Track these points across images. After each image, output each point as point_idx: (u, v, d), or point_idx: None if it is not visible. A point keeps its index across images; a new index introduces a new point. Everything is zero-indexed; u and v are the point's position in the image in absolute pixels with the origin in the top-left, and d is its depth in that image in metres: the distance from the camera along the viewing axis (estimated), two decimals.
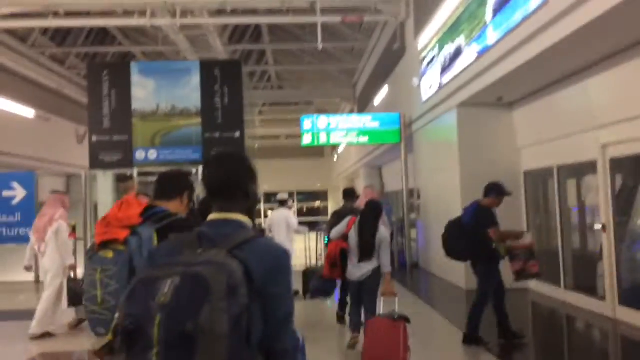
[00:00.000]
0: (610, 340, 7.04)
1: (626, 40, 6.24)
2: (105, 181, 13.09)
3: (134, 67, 13.16)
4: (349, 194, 7.65)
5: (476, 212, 6.09)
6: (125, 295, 1.51)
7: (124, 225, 3.10)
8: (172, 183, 3.09)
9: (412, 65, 12.62)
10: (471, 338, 6.13)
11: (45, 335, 6.92)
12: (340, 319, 7.24)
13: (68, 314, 7.43)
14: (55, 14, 12.94)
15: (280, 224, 8.92)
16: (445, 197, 10.62)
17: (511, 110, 9.66)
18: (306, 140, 12.71)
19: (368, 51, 18.37)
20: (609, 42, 6.32)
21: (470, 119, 9.76)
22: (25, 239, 12.23)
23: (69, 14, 13.21)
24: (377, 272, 5.74)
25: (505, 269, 6.18)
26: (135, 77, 12.99)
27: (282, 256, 1.68)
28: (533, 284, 8.96)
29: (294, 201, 26.93)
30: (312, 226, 13.22)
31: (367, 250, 5.73)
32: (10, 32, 15.31)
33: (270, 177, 26.60)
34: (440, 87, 10.38)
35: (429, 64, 11.19)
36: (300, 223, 9.67)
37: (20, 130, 16.39)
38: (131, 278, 1.91)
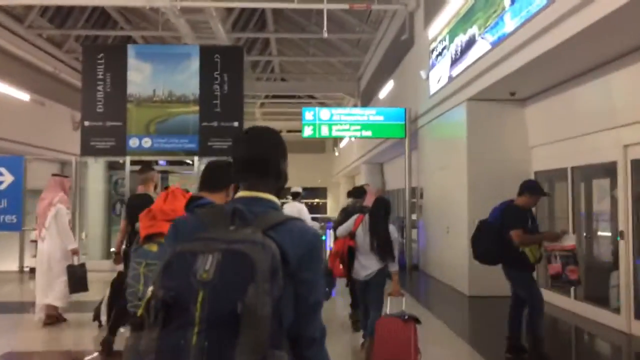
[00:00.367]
0: (624, 357, 6.52)
1: None
2: (96, 169, 12.57)
3: (131, 50, 12.66)
4: (359, 192, 7.35)
5: (504, 211, 5.53)
6: (161, 267, 1.43)
7: (170, 218, 3.02)
8: (219, 174, 2.86)
9: (420, 57, 12.10)
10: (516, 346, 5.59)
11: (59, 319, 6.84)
12: (355, 323, 6.84)
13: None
14: None
15: None
16: (451, 196, 10.13)
17: (523, 107, 9.14)
18: (307, 132, 12.20)
19: (374, 43, 17.87)
20: (638, 32, 5.80)
21: (480, 115, 9.26)
22: (12, 227, 11.86)
23: None
24: (382, 272, 5.57)
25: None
26: (132, 61, 12.49)
27: (317, 241, 1.62)
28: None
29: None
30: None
31: (385, 247, 5.49)
32: (6, 11, 14.81)
33: None
34: (450, 80, 9.86)
35: (438, 55, 10.67)
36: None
37: (13, 114, 15.89)
38: None
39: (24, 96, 15.92)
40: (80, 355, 5.98)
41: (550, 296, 8.29)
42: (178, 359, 1.34)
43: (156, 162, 12.32)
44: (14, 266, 12.06)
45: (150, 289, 1.41)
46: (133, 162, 12.44)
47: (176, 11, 12.84)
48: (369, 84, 19.79)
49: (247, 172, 1.71)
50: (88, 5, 15.09)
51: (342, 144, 26.12)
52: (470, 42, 8.81)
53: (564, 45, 6.17)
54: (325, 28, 11.69)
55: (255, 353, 1.32)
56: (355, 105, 22.34)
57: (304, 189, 10.16)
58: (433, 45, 11.01)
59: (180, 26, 14.24)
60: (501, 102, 9.11)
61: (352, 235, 5.71)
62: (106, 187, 12.91)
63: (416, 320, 4.95)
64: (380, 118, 12.40)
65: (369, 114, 12.54)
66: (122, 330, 5.68)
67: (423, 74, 11.51)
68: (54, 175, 7.52)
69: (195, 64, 12.49)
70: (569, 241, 5.39)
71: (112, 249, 8.90)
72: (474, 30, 8.67)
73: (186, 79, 12.46)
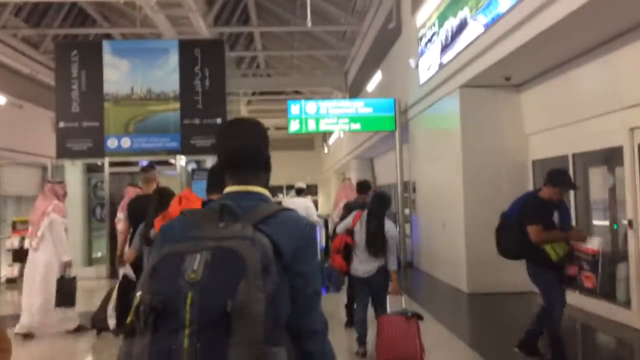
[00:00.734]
0: (638, 356, 6.08)
1: None
2: (74, 172, 12.00)
3: (106, 46, 12.11)
4: (363, 187, 6.98)
5: (525, 202, 5.01)
6: (148, 271, 1.40)
7: None
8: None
9: (408, 45, 11.64)
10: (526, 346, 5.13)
11: (29, 336, 6.51)
12: (348, 323, 6.71)
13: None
14: None
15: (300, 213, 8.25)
16: (445, 189, 9.68)
17: (519, 92, 8.69)
18: (293, 127, 11.69)
19: (361, 35, 17.42)
20: None
21: (474, 103, 8.80)
22: None
23: None
24: (382, 271, 5.45)
25: None
26: (108, 57, 11.93)
27: (310, 231, 1.59)
28: None
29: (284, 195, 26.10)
30: None
31: (376, 243, 5.39)
32: None
33: None
34: (441, 67, 9.39)
35: (427, 42, 10.21)
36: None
37: None
38: None
39: (0, 99, 15.33)
40: None
41: None
42: None
43: (137, 163, 11.82)
44: None
45: (138, 294, 1.37)
46: (112, 164, 11.93)
47: (153, 5, 12.28)
48: (357, 77, 19.35)
49: (238, 166, 1.64)
50: (63, 0, 14.40)
51: (331, 140, 25.69)
52: (462, 26, 8.35)
53: (563, 22, 5.72)
54: (308, 17, 11.19)
55: (251, 351, 1.29)
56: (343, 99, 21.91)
57: (293, 187, 9.75)
58: (422, 32, 10.54)
59: (159, 22, 13.67)
60: (495, 88, 8.66)
61: (349, 231, 5.62)
62: (85, 191, 12.33)
63: (419, 317, 4.88)
64: (369, 110, 11.93)
65: (357, 106, 12.06)
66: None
67: (412, 62, 11.04)
68: (47, 182, 7.31)
69: (174, 59, 11.96)
70: (592, 245, 4.79)
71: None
72: (465, 12, 8.21)
73: (165, 75, 11.93)
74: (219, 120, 11.85)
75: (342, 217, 6.38)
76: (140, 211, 5.34)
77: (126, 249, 6.01)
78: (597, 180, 7.62)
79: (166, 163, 12.31)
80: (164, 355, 1.31)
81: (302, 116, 11.67)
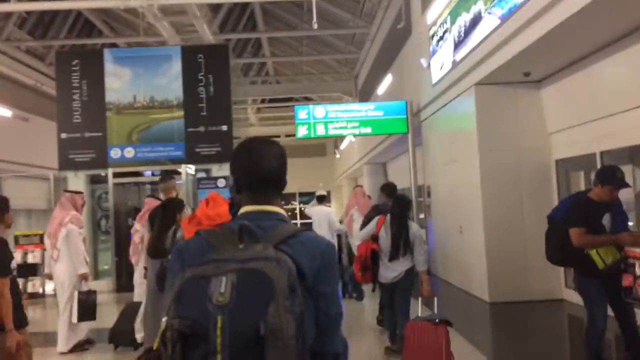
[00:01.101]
0: None
1: None
2: (77, 183, 11.66)
3: (108, 55, 11.79)
4: (389, 190, 6.70)
5: (571, 203, 4.55)
6: (173, 296, 1.35)
7: (215, 222, 2.99)
8: None
9: (419, 45, 11.20)
10: None
11: (77, 348, 6.47)
12: (380, 322, 6.81)
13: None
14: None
15: (321, 222, 8.19)
16: (462, 193, 9.20)
17: (539, 89, 8.21)
18: (301, 132, 11.25)
19: (370, 37, 17.01)
20: None
21: (491, 101, 8.33)
22: None
23: None
24: (410, 273, 5.48)
25: None
26: (109, 66, 11.62)
27: (330, 251, 1.56)
28: (567, 293, 7.53)
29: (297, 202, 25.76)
30: None
31: (402, 245, 5.44)
32: None
33: None
34: (454, 65, 8.93)
35: (439, 40, 9.76)
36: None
37: None
38: None
39: (6, 112, 15.10)
40: None
41: (577, 296, 7.37)
42: None
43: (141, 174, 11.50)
44: None
45: (164, 320, 1.32)
46: (116, 175, 11.59)
47: (156, 12, 11.92)
48: (367, 80, 18.95)
49: (260, 187, 1.61)
50: (61, 9, 14.14)
51: (343, 146, 25.29)
52: (476, 20, 7.89)
53: (587, 11, 5.25)
54: (314, 19, 10.79)
55: None
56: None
57: (307, 193, 9.41)
58: (433, 30, 10.10)
59: (164, 30, 13.34)
60: (514, 85, 8.18)
61: (374, 238, 5.60)
62: (89, 203, 11.98)
63: (448, 323, 4.64)
64: (380, 113, 11.47)
65: (367, 109, 11.60)
66: None
67: (424, 62, 10.59)
68: (65, 191, 7.20)
69: (177, 65, 11.62)
70: None
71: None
72: (479, 6, 7.75)
73: (168, 82, 11.59)
74: (224, 128, 11.49)
75: (364, 223, 6.33)
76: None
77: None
78: (628, 179, 7.11)
79: (174, 172, 11.96)
80: None
81: (310, 121, 11.25)
